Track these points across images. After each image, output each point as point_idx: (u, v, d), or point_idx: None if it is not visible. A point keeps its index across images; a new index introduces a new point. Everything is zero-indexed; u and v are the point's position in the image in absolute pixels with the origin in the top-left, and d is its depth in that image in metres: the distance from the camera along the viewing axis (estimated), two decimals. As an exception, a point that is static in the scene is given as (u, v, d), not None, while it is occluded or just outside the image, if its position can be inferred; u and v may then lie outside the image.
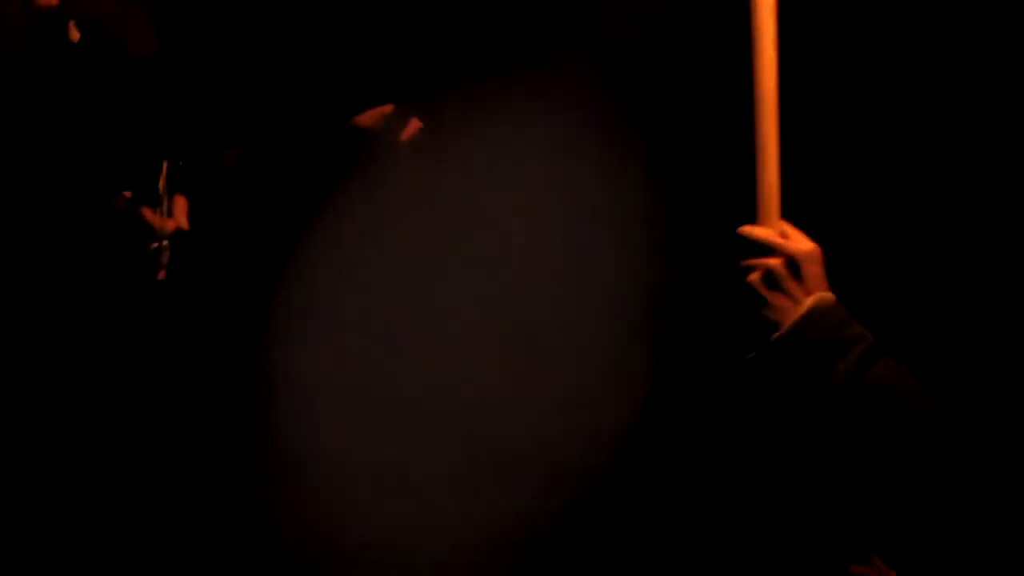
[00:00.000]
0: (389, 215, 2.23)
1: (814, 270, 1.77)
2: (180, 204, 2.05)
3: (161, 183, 2.04)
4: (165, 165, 2.07)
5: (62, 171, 2.04)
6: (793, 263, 1.76)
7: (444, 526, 2.21)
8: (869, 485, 1.87)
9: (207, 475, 2.20)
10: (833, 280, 1.77)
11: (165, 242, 2.04)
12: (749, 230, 1.78)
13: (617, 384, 2.20)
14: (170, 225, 2.02)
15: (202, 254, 2.22)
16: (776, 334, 1.74)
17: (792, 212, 1.80)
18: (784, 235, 1.79)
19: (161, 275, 2.02)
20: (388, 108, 2.01)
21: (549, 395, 2.20)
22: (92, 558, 2.09)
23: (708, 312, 2.08)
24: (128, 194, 2.02)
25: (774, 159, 1.77)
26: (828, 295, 1.76)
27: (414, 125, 2.09)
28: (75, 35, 2.01)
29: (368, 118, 2.04)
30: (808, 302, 1.74)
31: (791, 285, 1.76)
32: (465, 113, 2.21)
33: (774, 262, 1.77)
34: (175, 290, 2.16)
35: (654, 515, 2.15)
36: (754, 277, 1.78)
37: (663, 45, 2.19)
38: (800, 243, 1.78)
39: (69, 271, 2.05)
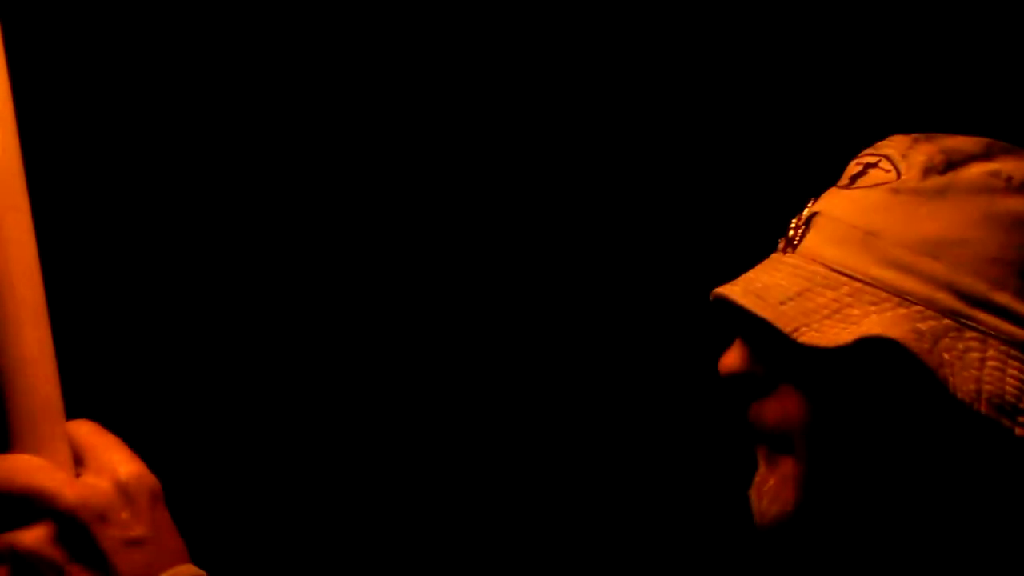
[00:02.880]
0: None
1: (133, 527, 0.95)
2: None
3: None
4: None
5: None
6: (75, 526, 0.94)
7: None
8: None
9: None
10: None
11: None
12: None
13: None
14: None
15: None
16: None
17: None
18: (77, 456, 0.97)
19: None
20: None
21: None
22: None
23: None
24: None
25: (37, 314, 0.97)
26: (180, 572, 0.97)
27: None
28: None
29: None
30: None
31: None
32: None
33: (30, 538, 0.93)
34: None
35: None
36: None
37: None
38: (102, 472, 0.96)
39: None
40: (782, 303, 1.07)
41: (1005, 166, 1.08)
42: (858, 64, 2.08)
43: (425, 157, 2.21)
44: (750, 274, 1.13)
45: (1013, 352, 1.02)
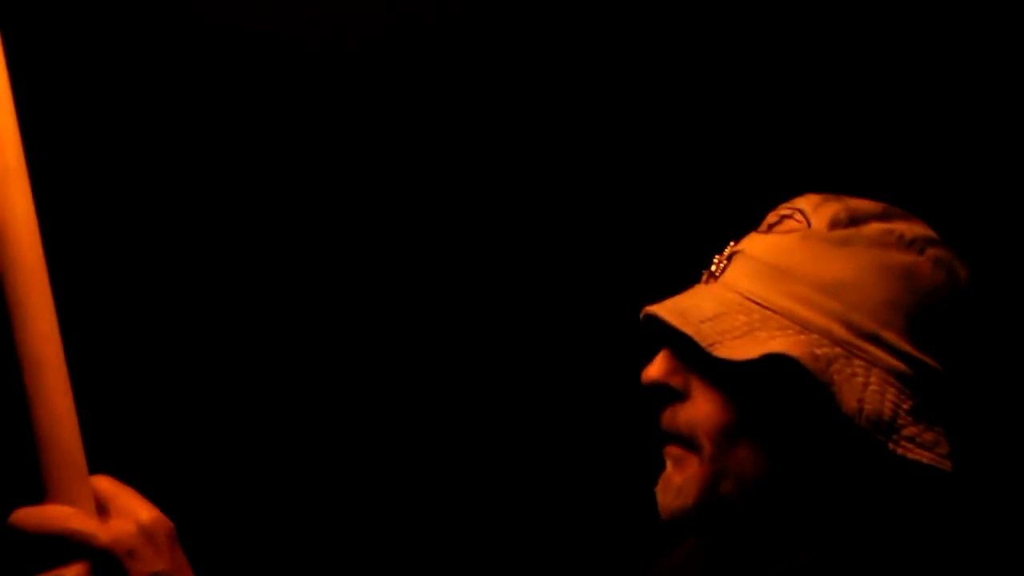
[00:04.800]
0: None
1: (155, 563, 1.09)
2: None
3: None
4: None
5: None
6: (108, 561, 1.07)
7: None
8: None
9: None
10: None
11: None
12: (24, 518, 1.07)
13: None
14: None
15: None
16: None
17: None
18: (104, 507, 1.10)
19: None
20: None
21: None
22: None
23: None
24: None
25: (59, 365, 1.10)
26: None
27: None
28: None
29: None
30: None
31: None
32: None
33: (71, 573, 1.07)
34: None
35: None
36: None
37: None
38: (126, 518, 1.10)
39: None
40: (702, 322, 1.20)
41: (899, 227, 1.22)
42: (775, 127, 2.20)
43: (417, 159, 2.25)
44: (677, 298, 1.27)
45: (892, 380, 1.16)
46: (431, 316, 2.28)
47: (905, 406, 1.16)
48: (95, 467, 1.13)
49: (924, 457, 1.15)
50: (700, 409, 1.23)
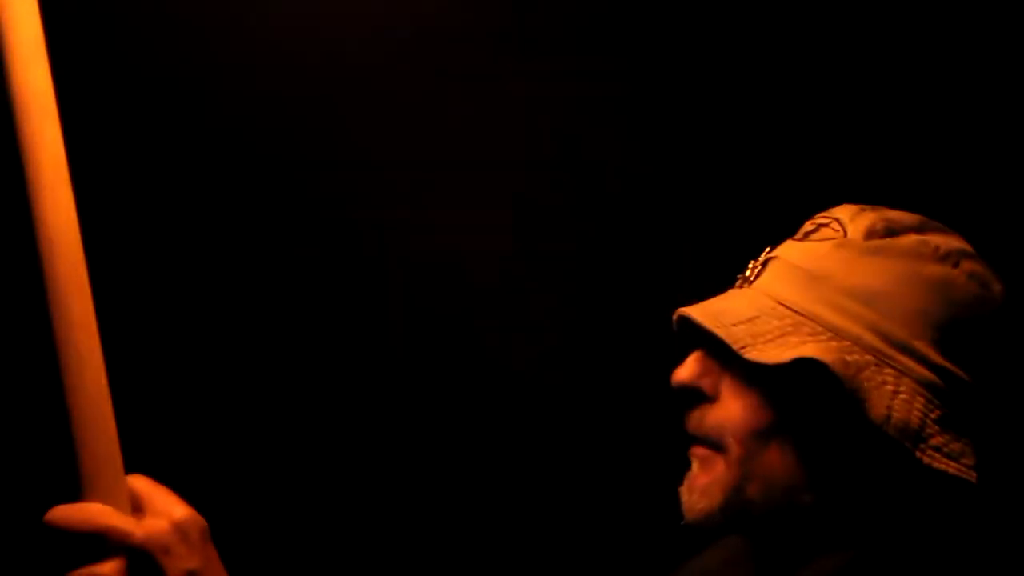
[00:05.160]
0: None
1: (189, 560, 1.12)
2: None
3: None
4: None
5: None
6: (143, 559, 1.10)
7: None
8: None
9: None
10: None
11: None
12: (63, 515, 1.09)
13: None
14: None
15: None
16: None
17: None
18: (138, 505, 1.13)
19: None
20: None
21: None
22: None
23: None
24: None
25: (96, 362, 1.12)
26: None
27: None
28: None
29: None
30: None
31: None
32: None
33: (108, 569, 1.09)
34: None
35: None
36: None
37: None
38: (160, 516, 1.12)
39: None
40: (734, 325, 1.21)
41: (935, 239, 1.23)
42: (818, 138, 2.21)
43: (412, 160, 2.28)
44: (710, 301, 1.28)
45: (920, 390, 1.16)
46: (459, 317, 2.30)
47: (933, 416, 1.17)
48: (131, 467, 1.16)
49: (950, 467, 1.16)
50: (729, 411, 1.23)
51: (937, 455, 1.16)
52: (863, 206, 1.29)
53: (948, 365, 1.19)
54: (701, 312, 1.25)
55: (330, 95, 2.26)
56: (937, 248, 1.23)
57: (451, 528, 2.30)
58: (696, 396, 1.26)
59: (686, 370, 1.27)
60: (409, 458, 2.31)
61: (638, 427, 2.23)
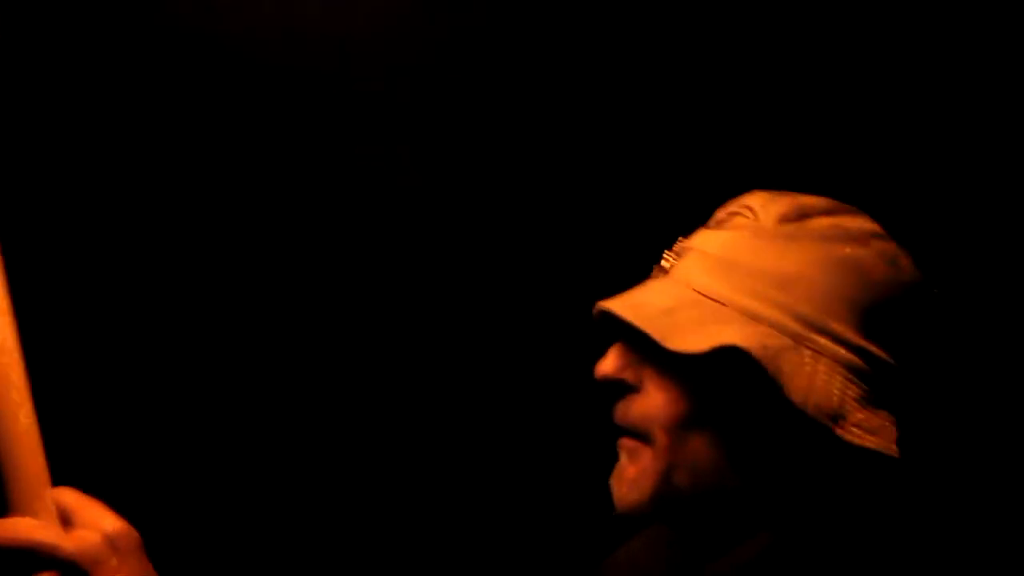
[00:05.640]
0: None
1: (121, 571, 1.11)
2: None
3: None
4: None
5: None
6: (74, 572, 1.10)
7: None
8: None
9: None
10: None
11: None
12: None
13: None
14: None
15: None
16: None
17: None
18: (66, 517, 1.12)
19: None
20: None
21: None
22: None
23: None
24: None
25: (16, 371, 1.12)
26: None
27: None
28: None
29: None
30: None
31: None
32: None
33: None
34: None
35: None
36: None
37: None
38: (90, 528, 1.12)
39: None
40: (654, 316, 1.22)
41: (844, 221, 1.25)
42: (727, 127, 2.22)
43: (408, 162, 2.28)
44: (629, 293, 1.29)
45: (839, 370, 1.18)
46: (403, 312, 2.29)
47: (852, 394, 1.19)
48: (59, 481, 1.15)
49: (871, 443, 1.17)
50: (653, 401, 1.24)
51: (857, 431, 1.18)
52: (774, 192, 1.30)
53: (864, 343, 1.21)
54: (621, 305, 1.26)
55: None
56: (848, 230, 1.24)
57: (398, 516, 2.31)
58: (621, 388, 1.27)
59: (608, 363, 1.28)
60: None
61: (567, 422, 2.24)
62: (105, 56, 2.17)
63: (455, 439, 2.30)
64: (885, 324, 1.22)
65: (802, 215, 1.26)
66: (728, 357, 1.19)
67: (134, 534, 1.13)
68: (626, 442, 1.27)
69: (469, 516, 2.30)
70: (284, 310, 2.27)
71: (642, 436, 1.25)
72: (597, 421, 1.35)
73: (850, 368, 1.20)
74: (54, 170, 2.15)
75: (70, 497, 1.13)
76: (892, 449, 1.18)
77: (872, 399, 1.20)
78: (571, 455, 2.22)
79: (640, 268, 1.35)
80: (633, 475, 1.25)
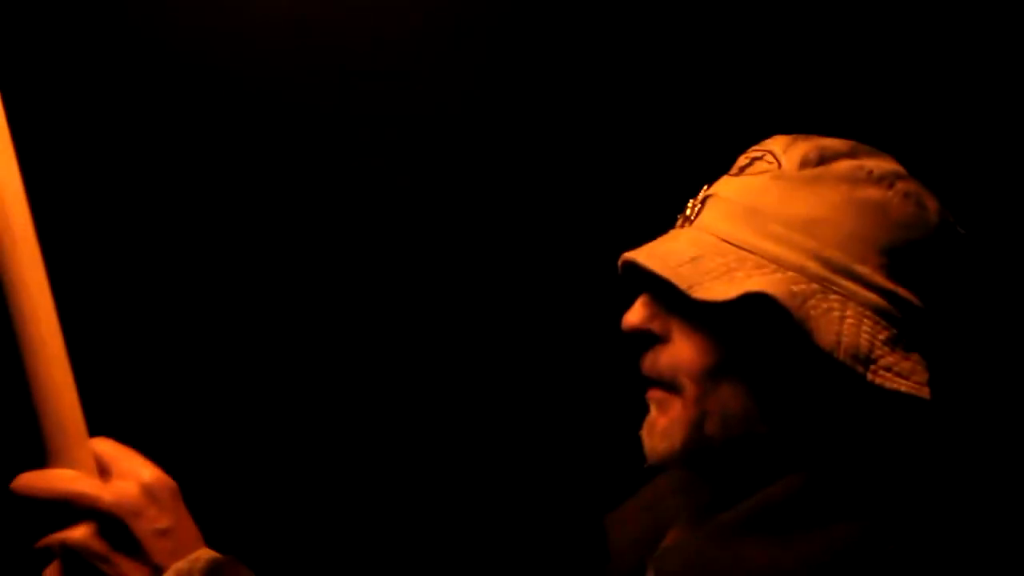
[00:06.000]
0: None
1: (160, 520, 1.13)
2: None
3: None
4: None
5: None
6: (113, 522, 1.12)
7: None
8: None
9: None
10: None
11: None
12: (28, 483, 1.10)
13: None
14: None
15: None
16: None
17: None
18: (103, 468, 1.14)
19: None
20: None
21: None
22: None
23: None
24: None
25: (51, 328, 1.13)
26: (198, 556, 1.15)
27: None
28: None
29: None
30: None
31: (120, 566, 1.12)
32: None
33: (79, 534, 1.11)
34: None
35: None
36: (50, 574, 1.13)
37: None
38: (128, 478, 1.13)
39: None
40: (680, 265, 1.21)
41: (867, 163, 1.24)
42: (747, 74, 2.23)
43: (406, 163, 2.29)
44: (653, 243, 1.28)
45: (867, 313, 1.18)
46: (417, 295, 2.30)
47: (881, 337, 1.18)
48: (95, 432, 1.16)
49: (902, 386, 1.17)
50: (681, 351, 1.24)
51: (888, 375, 1.17)
52: (795, 136, 1.29)
53: (891, 286, 1.20)
54: (646, 256, 1.25)
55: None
56: (871, 172, 1.23)
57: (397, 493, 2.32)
58: (648, 339, 1.27)
59: (635, 314, 1.27)
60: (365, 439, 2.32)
61: (597, 377, 2.25)
62: (106, 57, 2.20)
63: (486, 404, 2.32)
64: (912, 266, 1.21)
65: (824, 158, 1.25)
66: (755, 304, 1.18)
67: (171, 483, 1.15)
68: (655, 393, 1.27)
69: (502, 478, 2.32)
70: (293, 308, 2.30)
71: (671, 386, 1.25)
72: (627, 376, 1.34)
73: (878, 311, 1.19)
74: (58, 170, 2.17)
75: (107, 447, 1.15)
76: (924, 391, 1.17)
77: (901, 342, 1.19)
78: (604, 412, 2.22)
79: (664, 219, 1.35)
80: (664, 425, 1.25)
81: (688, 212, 1.30)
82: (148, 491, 1.13)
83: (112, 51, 2.20)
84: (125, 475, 1.13)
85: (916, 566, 1.13)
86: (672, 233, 1.30)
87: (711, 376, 1.22)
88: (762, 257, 1.21)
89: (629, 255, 1.27)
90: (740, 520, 1.19)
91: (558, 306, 2.29)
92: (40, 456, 1.12)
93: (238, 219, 2.27)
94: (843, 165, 1.24)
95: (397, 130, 2.29)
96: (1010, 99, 2.16)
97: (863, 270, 1.19)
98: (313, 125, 2.28)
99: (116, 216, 2.23)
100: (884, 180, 1.23)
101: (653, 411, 1.27)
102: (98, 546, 1.11)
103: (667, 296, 1.25)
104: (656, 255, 1.25)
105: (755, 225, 1.22)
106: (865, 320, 1.18)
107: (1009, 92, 2.16)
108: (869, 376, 1.16)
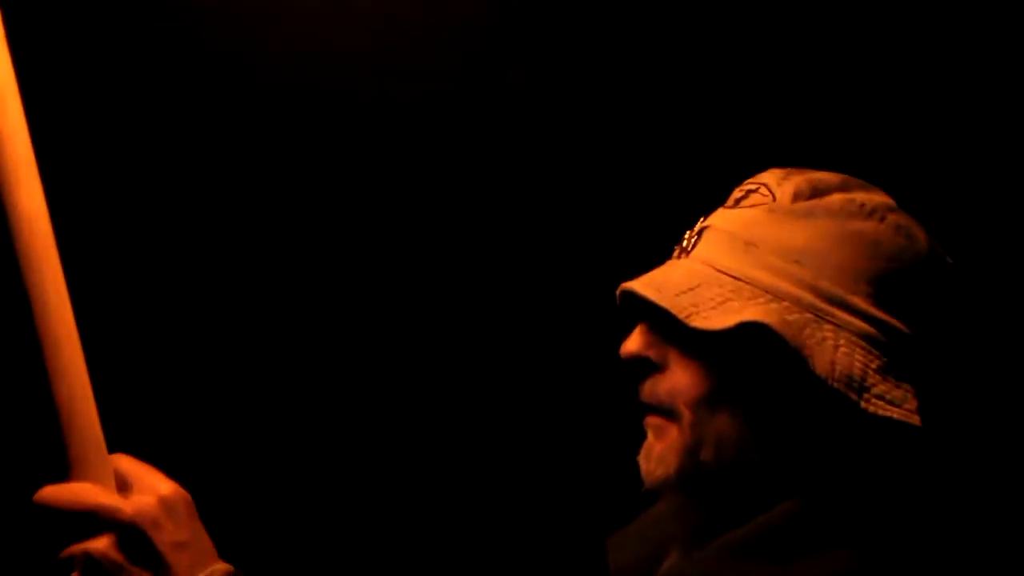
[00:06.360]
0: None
1: (177, 533, 1.18)
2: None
3: None
4: None
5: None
6: (133, 534, 1.17)
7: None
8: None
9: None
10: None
11: None
12: (51, 495, 1.16)
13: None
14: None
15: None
16: None
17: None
18: (123, 482, 1.20)
19: None
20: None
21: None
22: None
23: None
24: None
25: (74, 349, 1.19)
26: (214, 570, 1.21)
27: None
28: None
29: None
30: None
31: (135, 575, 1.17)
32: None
33: (99, 545, 1.16)
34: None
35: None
36: None
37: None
38: (147, 492, 1.19)
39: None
40: (677, 295, 1.24)
41: (859, 196, 1.27)
42: (741, 105, 2.27)
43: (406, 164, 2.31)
44: (651, 273, 1.31)
45: (860, 343, 1.21)
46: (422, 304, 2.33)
47: (873, 366, 1.21)
48: (114, 448, 1.21)
49: (894, 413, 1.19)
50: (679, 379, 1.26)
51: (880, 403, 1.20)
52: (788, 169, 1.33)
53: (883, 315, 1.23)
54: (644, 285, 1.28)
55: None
56: (863, 205, 1.26)
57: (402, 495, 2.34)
58: (646, 366, 1.30)
59: (633, 342, 1.30)
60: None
61: (596, 404, 2.27)
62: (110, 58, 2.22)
63: (486, 426, 2.33)
64: (902, 296, 1.24)
65: (816, 191, 1.28)
66: (751, 333, 1.21)
67: (187, 497, 1.21)
68: (652, 420, 1.29)
69: (502, 499, 2.33)
70: (296, 308, 2.31)
71: (668, 413, 1.27)
72: (626, 404, 1.36)
73: (870, 340, 1.22)
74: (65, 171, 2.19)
75: (126, 463, 1.20)
76: (914, 419, 1.20)
77: (892, 370, 1.22)
78: (601, 438, 2.24)
79: (661, 251, 1.37)
80: (660, 451, 1.27)
81: (685, 243, 1.33)
82: (166, 504, 1.18)
83: (108, 49, 2.22)
84: (144, 489, 1.18)
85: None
86: (669, 264, 1.33)
87: (707, 403, 1.25)
88: (757, 287, 1.23)
89: (627, 285, 1.30)
90: (739, 544, 1.22)
91: (559, 331, 2.31)
92: (63, 471, 1.17)
93: (239, 220, 2.29)
94: (835, 199, 1.27)
95: (401, 137, 2.31)
96: (995, 116, 2.19)
97: (855, 300, 1.22)
98: (313, 125, 2.29)
99: (131, 226, 2.25)
100: (875, 213, 1.26)
101: (650, 437, 1.29)
102: (118, 557, 1.16)
103: (664, 325, 1.28)
104: (653, 285, 1.28)
105: (750, 256, 1.25)
106: (858, 349, 1.21)
107: (994, 108, 2.19)
108: (863, 404, 1.19)
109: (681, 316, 1.23)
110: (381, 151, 2.30)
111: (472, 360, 2.33)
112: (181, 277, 2.27)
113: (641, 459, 1.30)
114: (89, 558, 1.15)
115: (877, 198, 1.29)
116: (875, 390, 1.20)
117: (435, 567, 2.31)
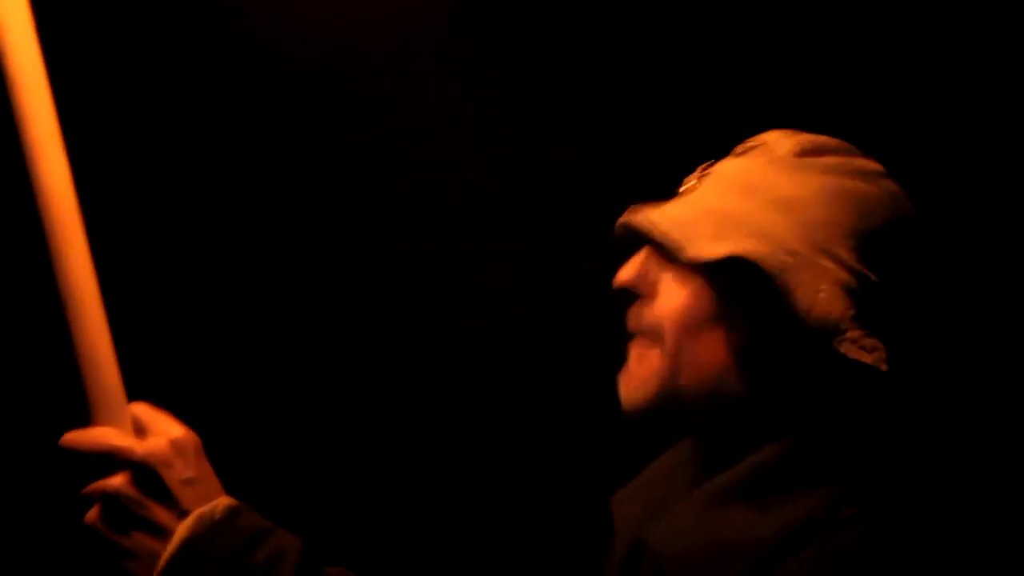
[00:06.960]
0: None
1: (186, 471, 1.32)
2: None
3: None
4: None
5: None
6: (146, 472, 1.31)
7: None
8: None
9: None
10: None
11: None
12: (74, 439, 1.32)
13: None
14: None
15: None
16: None
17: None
18: (140, 427, 1.34)
19: None
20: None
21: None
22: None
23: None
24: None
25: (96, 307, 1.33)
26: (219, 503, 1.33)
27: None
28: None
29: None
30: (180, 531, 1.30)
31: (151, 509, 1.31)
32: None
33: (116, 482, 1.31)
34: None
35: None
36: (91, 517, 1.32)
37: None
38: (160, 435, 1.33)
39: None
40: (671, 229, 1.31)
41: (856, 160, 1.35)
42: (741, 86, 2.34)
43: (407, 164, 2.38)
44: (649, 210, 1.37)
45: (840, 291, 1.27)
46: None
47: (850, 314, 1.28)
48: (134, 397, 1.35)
49: (865, 358, 1.26)
50: (666, 304, 1.33)
51: (852, 347, 1.26)
52: (790, 130, 1.40)
53: (863, 269, 1.30)
54: (641, 218, 1.35)
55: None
56: (858, 167, 1.34)
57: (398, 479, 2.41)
58: (637, 297, 1.36)
59: (627, 271, 1.36)
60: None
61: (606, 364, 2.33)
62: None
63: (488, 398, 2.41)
64: (884, 255, 1.31)
65: (816, 150, 1.35)
66: (739, 268, 1.27)
67: (196, 440, 1.34)
68: (635, 345, 1.35)
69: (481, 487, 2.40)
70: (297, 307, 2.40)
71: (651, 336, 1.33)
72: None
73: (849, 291, 1.28)
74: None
75: (142, 410, 1.34)
76: (883, 366, 1.26)
77: (866, 320, 1.29)
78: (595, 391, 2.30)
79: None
80: (640, 375, 1.33)
81: (685, 186, 1.40)
82: (176, 446, 1.32)
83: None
84: (158, 432, 1.32)
85: (887, 531, 1.22)
86: (668, 202, 1.39)
87: (690, 329, 1.31)
88: (750, 227, 1.30)
89: (625, 218, 1.37)
90: (721, 489, 1.28)
91: (564, 296, 2.38)
92: (85, 417, 1.32)
93: (239, 222, 2.36)
94: (835, 159, 1.35)
95: (397, 131, 2.38)
96: (991, 109, 2.26)
97: (839, 251, 1.29)
98: (311, 125, 2.36)
99: (150, 209, 2.34)
100: (868, 176, 1.34)
101: (632, 361, 1.35)
102: (133, 492, 1.30)
103: (658, 259, 1.35)
104: (649, 219, 1.35)
105: (747, 199, 1.32)
106: (837, 296, 1.27)
107: (989, 103, 2.27)
108: (835, 344, 1.26)
109: (673, 248, 1.30)
110: (381, 151, 2.38)
111: (476, 324, 2.41)
112: (202, 252, 2.36)
113: (620, 384, 1.35)
114: (107, 494, 1.30)
115: (872, 164, 1.36)
116: (849, 335, 1.26)
117: (436, 540, 2.38)
